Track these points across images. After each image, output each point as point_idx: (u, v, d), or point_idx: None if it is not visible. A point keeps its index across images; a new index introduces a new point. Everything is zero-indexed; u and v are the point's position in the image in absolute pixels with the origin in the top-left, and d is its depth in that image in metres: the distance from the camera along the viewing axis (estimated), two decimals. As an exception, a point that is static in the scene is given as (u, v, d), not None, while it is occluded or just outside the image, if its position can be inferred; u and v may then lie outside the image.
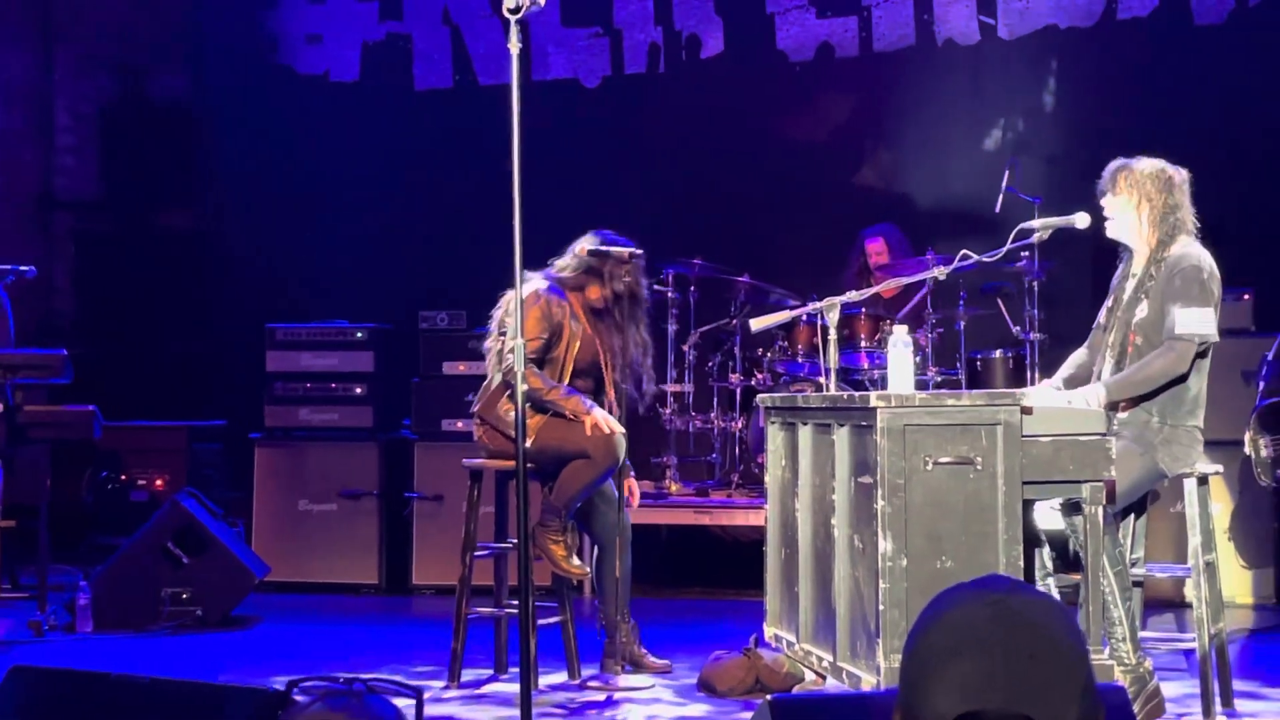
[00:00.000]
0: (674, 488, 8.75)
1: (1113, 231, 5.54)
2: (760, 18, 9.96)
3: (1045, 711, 1.87)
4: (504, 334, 6.09)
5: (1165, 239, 5.41)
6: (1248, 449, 6.63)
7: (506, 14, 4.39)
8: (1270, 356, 6.99)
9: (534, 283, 6.14)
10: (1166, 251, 5.40)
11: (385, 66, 10.46)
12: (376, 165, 10.31)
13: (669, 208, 9.73)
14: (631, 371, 6.33)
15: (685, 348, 8.79)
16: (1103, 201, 5.52)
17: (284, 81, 10.59)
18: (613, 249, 6.24)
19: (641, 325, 6.33)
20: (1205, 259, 5.38)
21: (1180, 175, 5.49)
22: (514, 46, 4.30)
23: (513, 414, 5.75)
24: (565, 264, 6.28)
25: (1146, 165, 5.48)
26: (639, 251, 6.29)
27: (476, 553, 6.19)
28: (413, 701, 2.48)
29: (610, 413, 6.17)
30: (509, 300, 6.17)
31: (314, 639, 7.45)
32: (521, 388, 4.57)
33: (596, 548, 6.44)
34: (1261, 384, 6.79)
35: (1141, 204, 5.43)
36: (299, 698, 2.44)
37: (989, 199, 8.19)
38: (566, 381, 6.14)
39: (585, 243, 6.27)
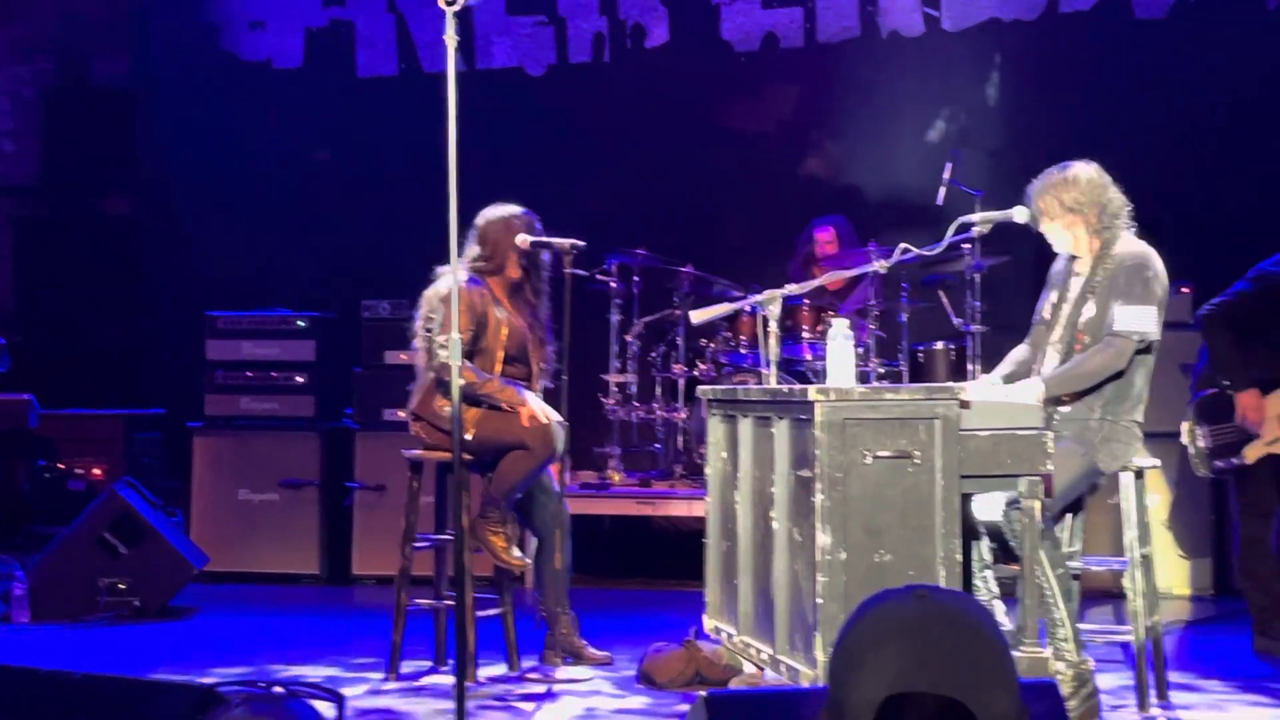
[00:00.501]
0: (616, 478, 8.75)
1: (1059, 250, 5.56)
2: (705, 7, 9.96)
3: (972, 696, 1.88)
4: (429, 331, 6.05)
5: (1109, 239, 5.43)
6: (1185, 440, 6.68)
7: (443, 5, 4.36)
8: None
9: (451, 275, 6.08)
10: (1112, 250, 5.42)
11: (328, 53, 10.39)
12: (319, 153, 10.25)
13: (613, 197, 9.70)
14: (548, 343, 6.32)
15: (628, 338, 8.78)
16: (1041, 229, 5.53)
17: (227, 68, 10.51)
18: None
19: (545, 295, 6.33)
20: (1151, 258, 5.40)
21: (1093, 169, 5.48)
22: (450, 40, 4.28)
23: (449, 410, 5.73)
24: (478, 251, 6.21)
25: (1061, 179, 5.44)
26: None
27: (416, 544, 6.17)
28: (336, 705, 2.47)
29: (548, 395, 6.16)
30: (431, 298, 6.13)
31: (253, 630, 7.41)
32: (458, 381, 4.54)
33: (536, 539, 6.43)
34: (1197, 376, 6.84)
35: (1075, 220, 5.44)
36: (225, 698, 2.43)
37: (932, 191, 8.21)
38: (499, 371, 6.11)
39: (491, 221, 6.20)
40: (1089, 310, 5.41)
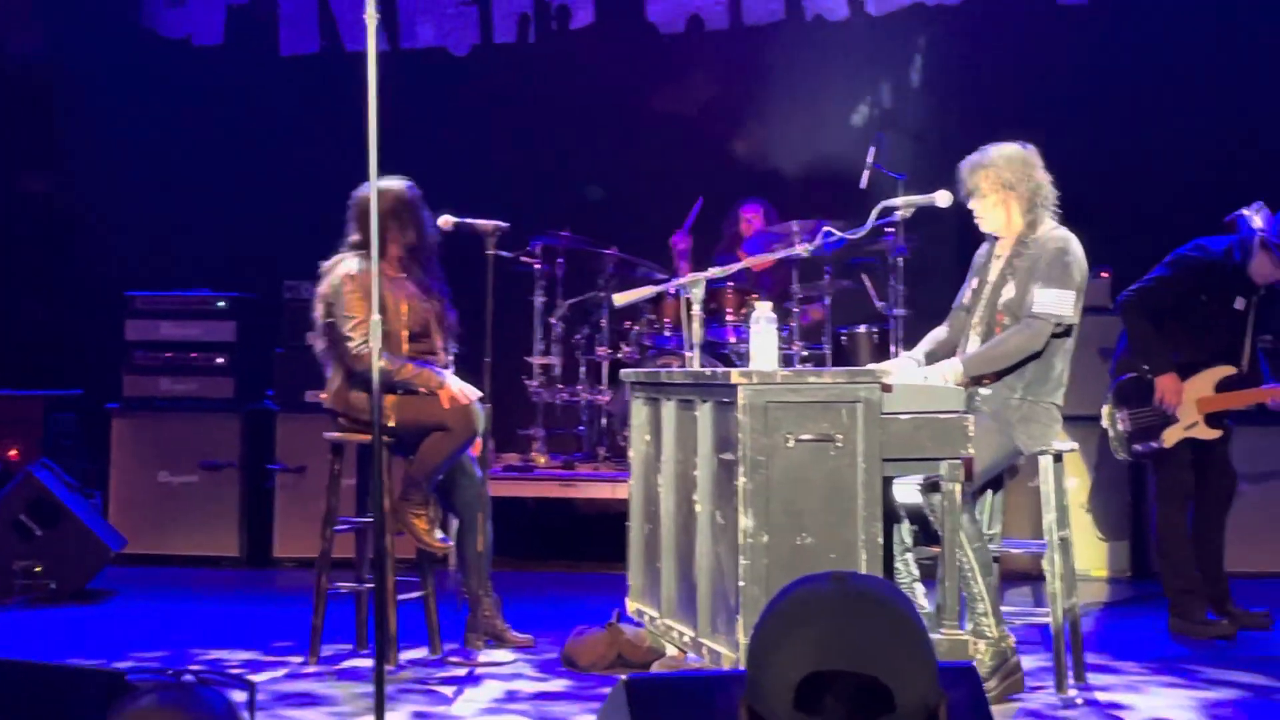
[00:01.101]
0: (540, 460, 8.73)
1: (986, 228, 5.60)
2: (631, -11, 9.94)
3: (890, 673, 1.88)
4: (331, 321, 5.98)
5: (1033, 221, 5.48)
6: (1105, 424, 6.75)
7: (362, -15, 4.31)
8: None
9: (345, 263, 6.02)
10: (1033, 233, 5.47)
11: (250, 31, 10.27)
12: (240, 132, 10.13)
13: (537, 179, 9.67)
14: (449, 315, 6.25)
15: (552, 320, 8.74)
16: (970, 205, 5.55)
17: (146, 45, 10.36)
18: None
19: (435, 264, 6.23)
20: (1072, 243, 5.45)
21: (1031, 151, 5.55)
22: (371, 19, 4.23)
23: (363, 402, 5.69)
24: (359, 235, 6.03)
25: (1000, 156, 5.50)
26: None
27: (337, 527, 6.12)
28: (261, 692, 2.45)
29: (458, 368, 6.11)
30: (326, 293, 6.03)
31: (171, 613, 7.33)
32: (379, 364, 4.50)
33: (458, 521, 6.40)
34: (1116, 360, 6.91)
35: (1009, 198, 5.48)
36: (134, 686, 2.39)
37: (857, 174, 8.23)
38: (406, 351, 6.03)
39: (364, 199, 5.95)
40: (1008, 291, 5.45)
